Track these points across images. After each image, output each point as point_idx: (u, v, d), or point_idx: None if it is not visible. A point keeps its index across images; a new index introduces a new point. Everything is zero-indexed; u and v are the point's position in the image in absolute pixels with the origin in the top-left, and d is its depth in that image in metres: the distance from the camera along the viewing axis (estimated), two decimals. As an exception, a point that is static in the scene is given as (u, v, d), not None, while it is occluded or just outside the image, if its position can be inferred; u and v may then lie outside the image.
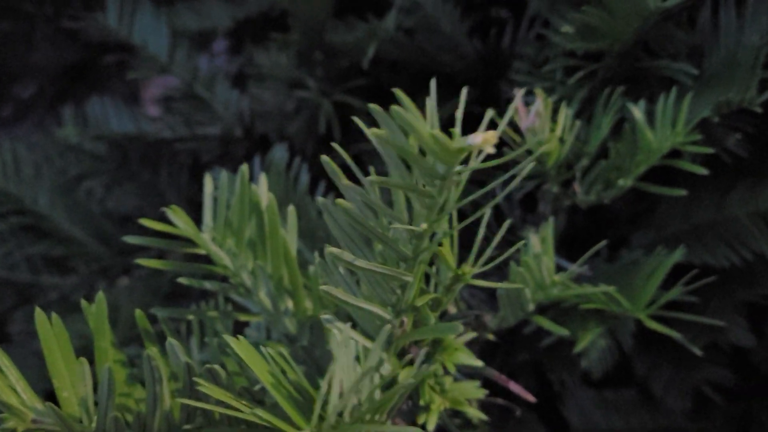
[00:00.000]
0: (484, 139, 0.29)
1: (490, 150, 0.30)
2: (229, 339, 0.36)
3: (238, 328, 0.62)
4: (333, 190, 0.84)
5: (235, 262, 0.49)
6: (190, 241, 0.51)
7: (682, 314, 0.59)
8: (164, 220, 0.51)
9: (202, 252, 0.52)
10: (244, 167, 0.50)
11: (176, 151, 0.99)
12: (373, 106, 0.33)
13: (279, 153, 0.82)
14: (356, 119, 0.39)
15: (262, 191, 0.52)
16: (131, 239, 0.49)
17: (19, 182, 1.01)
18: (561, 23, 0.71)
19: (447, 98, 0.89)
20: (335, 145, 0.42)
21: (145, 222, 0.48)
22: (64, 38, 1.26)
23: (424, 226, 0.36)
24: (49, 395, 0.40)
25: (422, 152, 0.35)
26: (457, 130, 0.34)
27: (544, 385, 0.90)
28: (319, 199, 0.38)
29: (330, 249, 0.36)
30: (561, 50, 0.74)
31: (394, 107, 0.31)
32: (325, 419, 0.33)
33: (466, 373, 0.56)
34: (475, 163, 0.37)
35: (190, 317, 0.51)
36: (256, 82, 0.95)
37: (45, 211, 1.01)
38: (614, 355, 0.80)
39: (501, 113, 0.67)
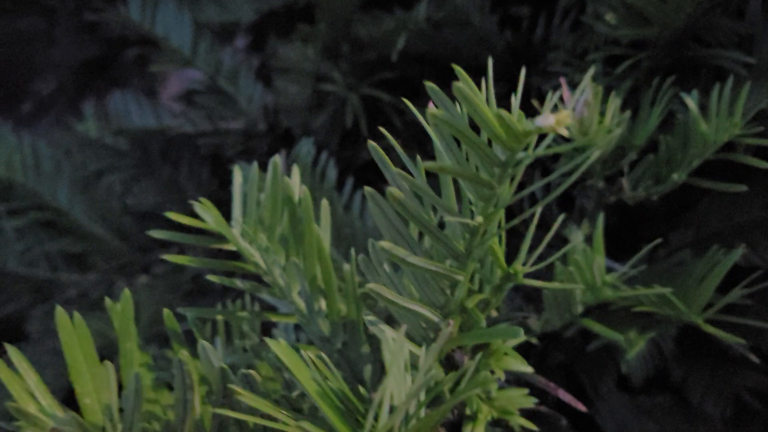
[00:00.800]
0: (557, 120, 0.26)
1: (564, 132, 0.26)
2: (270, 342, 0.33)
3: (265, 330, 0.59)
4: (361, 186, 0.81)
5: (266, 258, 0.46)
6: (217, 237, 0.49)
7: (740, 318, 0.55)
8: (189, 214, 0.48)
9: (229, 248, 0.49)
10: (277, 158, 0.47)
11: (198, 146, 0.97)
12: (429, 84, 0.30)
13: (305, 147, 0.79)
14: (406, 101, 0.35)
15: (295, 184, 0.49)
16: (157, 234, 0.46)
17: (38, 178, 0.99)
18: (604, 10, 0.68)
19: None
20: (370, 142, 0.39)
21: (172, 216, 0.45)
22: (84, 33, 1.24)
23: (479, 219, 0.33)
24: (69, 393, 0.37)
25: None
26: (519, 111, 0.31)
27: (575, 388, 0.87)
28: (368, 189, 0.35)
29: (380, 243, 0.33)
30: (603, 39, 0.71)
31: (456, 84, 0.27)
32: None
33: (505, 377, 0.52)
34: (533, 151, 0.33)
35: (219, 318, 0.48)
36: (280, 75, 0.92)
37: (64, 207, 0.99)
38: (655, 361, 0.77)
39: (533, 107, 0.64)
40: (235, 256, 0.51)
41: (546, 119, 0.26)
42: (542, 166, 0.76)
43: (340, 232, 0.78)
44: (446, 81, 0.74)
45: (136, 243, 1.00)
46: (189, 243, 0.47)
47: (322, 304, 0.47)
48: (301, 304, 0.46)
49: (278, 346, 0.33)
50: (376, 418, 0.31)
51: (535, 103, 0.59)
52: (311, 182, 0.80)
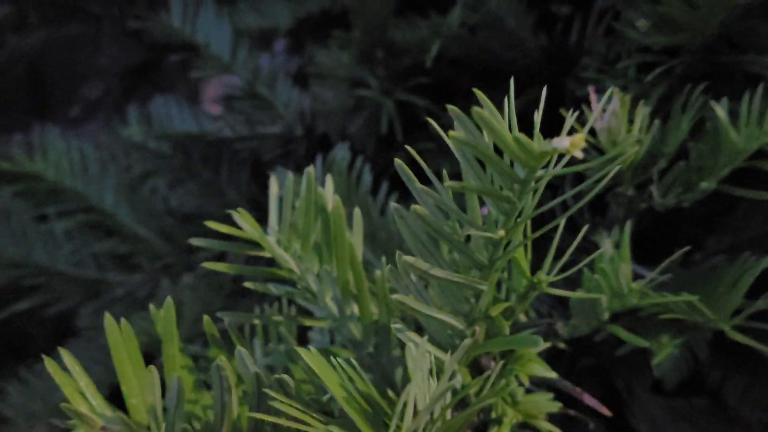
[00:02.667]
0: (571, 143, 0.27)
1: (578, 154, 0.28)
2: (300, 350, 0.35)
3: (302, 332, 0.61)
4: (395, 190, 0.82)
5: (300, 265, 0.48)
6: (254, 243, 0.51)
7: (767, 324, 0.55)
8: (228, 221, 0.51)
9: (265, 254, 0.51)
10: (310, 169, 0.49)
11: (237, 150, 0.99)
12: (452, 108, 0.31)
13: (341, 152, 0.81)
14: (430, 120, 0.37)
15: (328, 193, 0.50)
16: (196, 241, 0.49)
17: (86, 180, 1.03)
18: (636, 16, 0.68)
19: (514, 94, 0.86)
20: (408, 147, 0.40)
21: (210, 224, 0.47)
22: (129, 39, 1.28)
23: (501, 232, 0.34)
24: (116, 389, 0.39)
25: (500, 154, 0.33)
26: (537, 132, 0.32)
27: (610, 392, 0.87)
28: (393, 204, 0.37)
29: (404, 258, 0.34)
30: (635, 46, 0.71)
31: (475, 109, 0.29)
32: (398, 435, 0.31)
33: (534, 381, 0.53)
34: (553, 168, 0.35)
35: (256, 321, 0.50)
36: (317, 81, 0.95)
37: (110, 209, 1.02)
38: (689, 365, 0.77)
39: (567, 112, 0.64)
40: (272, 261, 0.53)
41: (562, 141, 0.28)
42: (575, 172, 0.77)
43: (375, 235, 0.80)
44: (483, 85, 0.75)
45: (179, 244, 1.03)
46: (228, 249, 0.50)
47: (355, 308, 0.49)
48: (334, 308, 0.48)
49: (307, 354, 0.35)
50: (401, 421, 0.32)
51: (563, 112, 0.59)
52: (347, 186, 0.82)
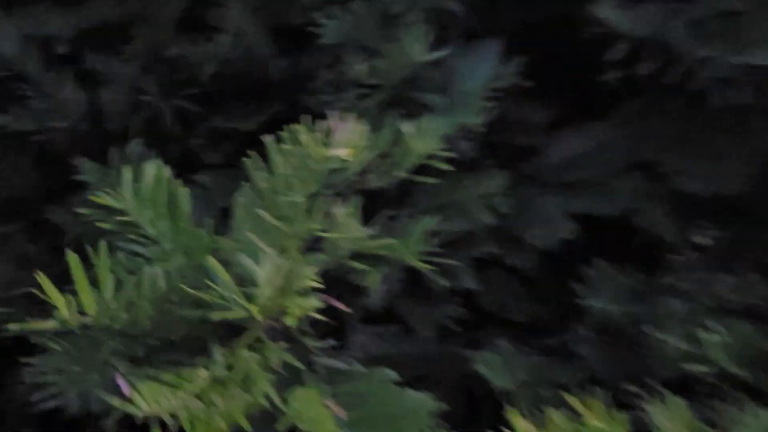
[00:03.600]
0: (347, 152, 0.58)
1: (349, 157, 0.59)
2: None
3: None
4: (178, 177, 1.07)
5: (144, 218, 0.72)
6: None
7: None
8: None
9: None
10: (158, 162, 0.73)
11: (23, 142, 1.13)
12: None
13: (137, 147, 1.03)
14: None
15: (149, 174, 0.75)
16: None
17: None
18: (355, 62, 1.02)
19: (264, 107, 1.17)
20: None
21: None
22: None
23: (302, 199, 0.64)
24: None
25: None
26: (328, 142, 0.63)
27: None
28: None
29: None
30: (354, 80, 1.05)
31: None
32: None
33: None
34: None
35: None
36: (101, 85, 1.14)
37: None
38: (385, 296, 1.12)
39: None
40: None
41: (342, 150, 0.58)
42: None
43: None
44: (247, 95, 1.05)
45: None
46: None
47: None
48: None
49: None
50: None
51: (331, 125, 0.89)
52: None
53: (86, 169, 0.99)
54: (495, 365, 1.01)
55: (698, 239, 1.19)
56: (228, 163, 1.17)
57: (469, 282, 1.15)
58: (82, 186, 1.08)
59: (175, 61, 1.13)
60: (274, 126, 0.79)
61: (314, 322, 0.85)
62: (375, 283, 0.92)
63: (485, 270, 1.18)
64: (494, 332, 1.16)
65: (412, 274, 1.07)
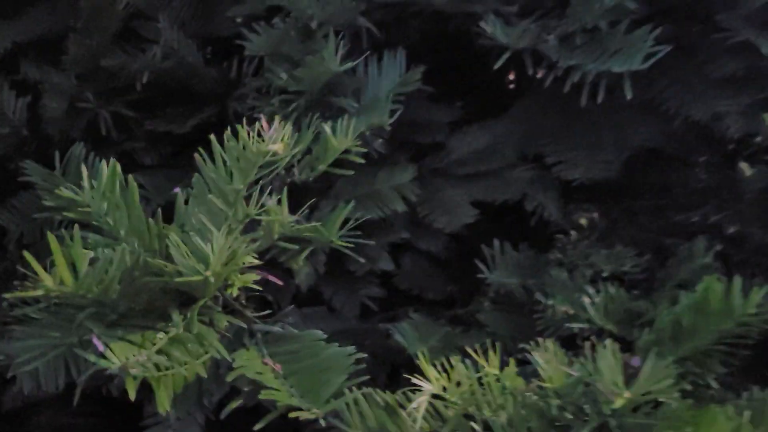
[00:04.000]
0: (279, 147, 0.71)
1: (280, 151, 0.72)
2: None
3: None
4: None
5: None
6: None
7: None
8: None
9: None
10: (114, 162, 0.84)
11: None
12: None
13: (77, 150, 1.13)
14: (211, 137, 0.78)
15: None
16: None
17: None
18: (279, 71, 1.15)
19: (197, 111, 1.29)
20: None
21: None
22: None
23: (240, 186, 0.77)
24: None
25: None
26: (260, 139, 0.76)
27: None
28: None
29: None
30: (278, 87, 1.18)
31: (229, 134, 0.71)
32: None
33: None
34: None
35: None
36: (42, 93, 1.22)
37: None
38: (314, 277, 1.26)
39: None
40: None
41: (276, 145, 0.71)
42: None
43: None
44: (180, 100, 1.17)
45: None
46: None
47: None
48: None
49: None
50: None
51: (261, 129, 1.03)
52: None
53: (32, 170, 1.09)
54: (409, 334, 1.14)
55: (580, 220, 1.39)
56: (164, 164, 1.29)
57: (386, 264, 1.29)
58: (25, 187, 1.17)
59: (112, 69, 1.23)
60: (207, 129, 0.91)
61: (251, 299, 0.99)
62: (301, 262, 1.05)
63: (400, 253, 1.32)
64: (410, 309, 1.29)
65: (336, 259, 1.20)
